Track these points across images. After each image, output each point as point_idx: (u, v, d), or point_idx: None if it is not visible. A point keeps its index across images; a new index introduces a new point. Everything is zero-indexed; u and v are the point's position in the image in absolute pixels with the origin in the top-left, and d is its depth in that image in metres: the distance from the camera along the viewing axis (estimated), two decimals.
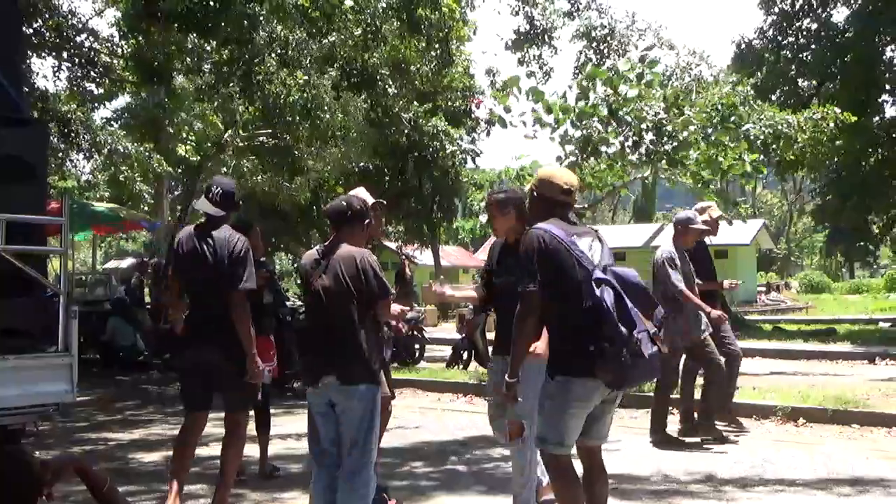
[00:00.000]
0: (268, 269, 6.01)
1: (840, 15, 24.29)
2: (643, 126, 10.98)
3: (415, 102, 21.55)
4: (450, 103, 24.99)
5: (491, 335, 5.34)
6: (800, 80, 24.25)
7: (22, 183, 4.51)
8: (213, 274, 4.99)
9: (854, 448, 7.37)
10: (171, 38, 13.04)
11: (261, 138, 16.39)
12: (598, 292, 3.81)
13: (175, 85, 14.16)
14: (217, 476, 5.31)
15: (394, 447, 7.21)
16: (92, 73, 15.27)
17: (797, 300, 39.88)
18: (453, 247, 50.58)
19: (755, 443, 7.64)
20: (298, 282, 5.53)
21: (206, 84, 14.42)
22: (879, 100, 23.29)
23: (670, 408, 7.88)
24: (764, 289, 42.93)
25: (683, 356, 7.75)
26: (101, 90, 16.89)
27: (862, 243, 26.68)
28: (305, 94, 14.08)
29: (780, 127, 12.99)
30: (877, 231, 25.71)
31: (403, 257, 11.39)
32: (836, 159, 21.36)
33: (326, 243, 4.61)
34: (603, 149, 11.26)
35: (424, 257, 35.18)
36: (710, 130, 11.24)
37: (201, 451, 7.30)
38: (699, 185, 11.30)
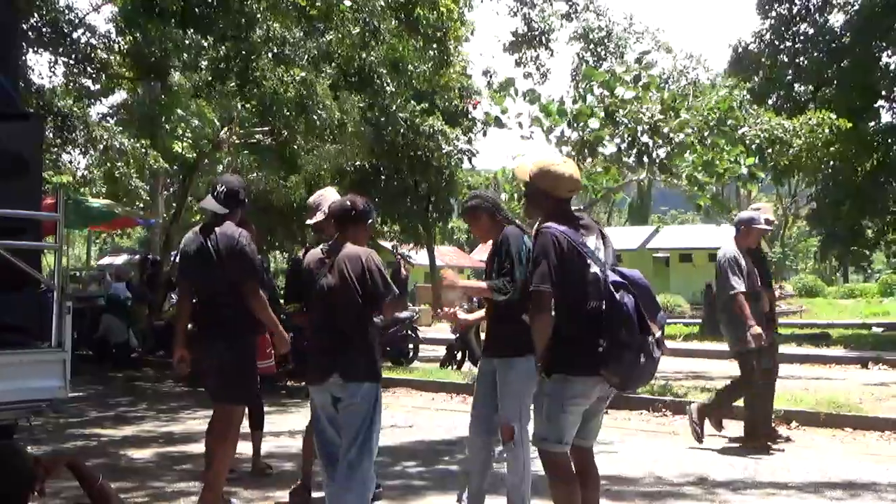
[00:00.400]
0: (262, 266, 6.01)
1: (837, 20, 24.34)
2: (639, 128, 10.97)
3: (412, 102, 21.54)
4: (447, 103, 24.99)
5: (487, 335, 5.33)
6: (796, 85, 24.29)
7: (16, 177, 4.49)
8: (219, 271, 5.10)
9: (846, 452, 7.40)
10: (169, 35, 13.01)
11: (257, 136, 16.37)
12: (618, 297, 3.84)
13: (171, 81, 14.12)
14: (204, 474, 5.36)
15: (387, 446, 7.19)
16: (88, 68, 15.22)
17: (791, 304, 39.92)
18: (449, 247, 50.61)
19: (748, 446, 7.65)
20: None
21: (203, 81, 14.40)
22: (875, 105, 23.34)
23: (722, 414, 7.81)
24: None
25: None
26: (98, 86, 16.86)
27: (856, 248, 26.70)
28: (302, 91, 14.06)
29: (775, 132, 13.00)
30: (871, 236, 25.74)
31: (399, 257, 11.39)
32: (831, 164, 21.39)
33: (331, 242, 4.65)
34: (598, 149, 11.26)
35: (419, 257, 35.18)
36: (706, 133, 11.24)
37: (192, 448, 7.31)
38: (695, 189, 11.30)
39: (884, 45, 22.38)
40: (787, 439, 7.71)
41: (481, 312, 5.28)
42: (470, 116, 26.88)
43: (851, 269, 50.62)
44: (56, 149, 14.29)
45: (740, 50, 25.08)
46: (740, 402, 7.71)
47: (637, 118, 10.89)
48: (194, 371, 5.35)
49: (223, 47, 13.97)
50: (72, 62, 14.98)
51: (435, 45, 18.87)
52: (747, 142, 12.05)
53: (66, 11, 14.43)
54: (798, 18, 24.51)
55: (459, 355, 13.21)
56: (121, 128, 14.72)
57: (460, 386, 11.19)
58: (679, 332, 19.07)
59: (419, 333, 14.79)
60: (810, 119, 15.55)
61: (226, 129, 15.69)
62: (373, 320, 4.61)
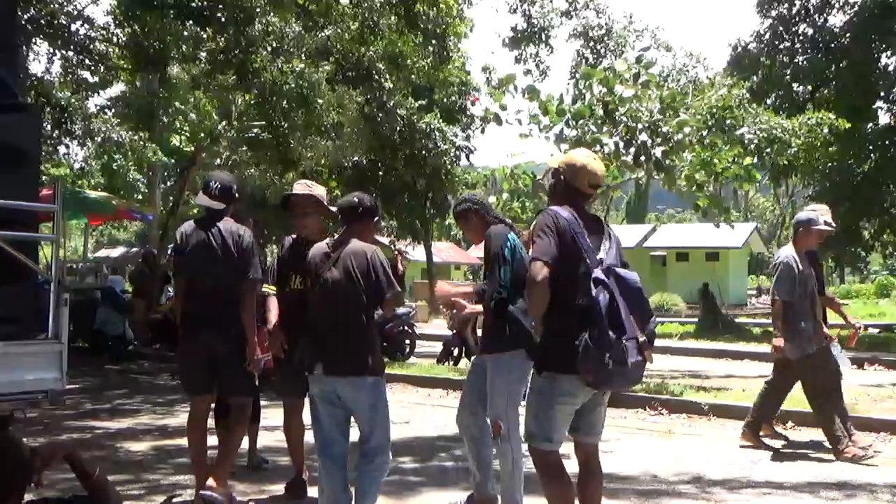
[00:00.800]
0: (259, 261, 6.02)
1: (836, 21, 24.35)
2: (638, 126, 10.97)
3: (410, 98, 21.53)
4: (445, 100, 24.98)
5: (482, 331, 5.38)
6: (795, 85, 24.29)
7: (14, 169, 4.47)
8: (222, 265, 5.23)
9: None
10: (168, 27, 12.98)
11: (254, 130, 16.35)
12: (594, 292, 3.78)
13: (170, 74, 14.11)
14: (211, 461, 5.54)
15: None
16: (87, 60, 15.20)
17: None
18: (446, 243, 50.63)
19: (743, 445, 7.66)
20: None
21: (202, 72, 14.38)
22: (874, 106, 23.35)
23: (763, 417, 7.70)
24: (755, 292, 43.09)
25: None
26: (96, 78, 16.83)
27: (853, 249, 26.75)
28: (301, 82, 14.04)
29: (774, 131, 13.00)
30: (868, 237, 25.78)
31: (396, 252, 11.35)
32: (829, 164, 21.42)
33: (336, 238, 4.71)
34: (596, 148, 11.25)
35: (417, 253, 35.19)
36: (704, 133, 11.24)
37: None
38: (693, 188, 11.30)
39: (883, 46, 22.39)
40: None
41: (479, 307, 5.30)
42: (468, 113, 26.87)
43: (848, 270, 50.65)
44: (54, 140, 14.27)
45: (739, 49, 25.08)
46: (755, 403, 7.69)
47: (636, 116, 10.88)
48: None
49: (222, 39, 13.94)
50: (70, 54, 14.96)
51: (434, 42, 18.86)
52: (746, 141, 12.05)
53: (65, 3, 14.43)
54: (797, 19, 24.50)
55: (456, 352, 13.21)
56: (119, 120, 14.70)
57: (457, 382, 11.17)
58: (675, 331, 19.08)
59: (416, 329, 14.80)
60: (809, 119, 15.56)
61: (224, 122, 15.68)
62: (374, 315, 4.64)
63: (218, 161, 18.58)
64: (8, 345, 4.12)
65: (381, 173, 25.38)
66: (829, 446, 7.08)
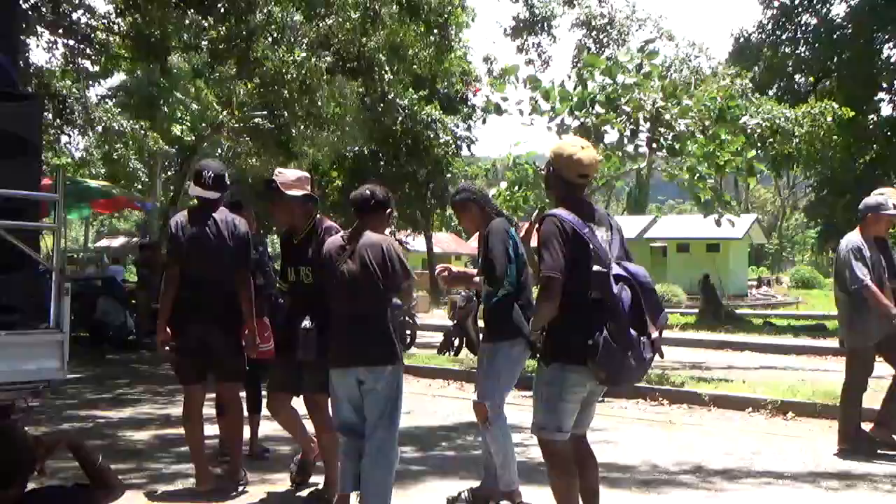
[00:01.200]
0: (258, 251, 6.04)
1: (839, 12, 24.29)
2: (641, 116, 10.93)
3: (410, 89, 21.49)
4: (446, 90, 24.94)
5: (483, 323, 5.42)
6: (797, 76, 24.26)
7: (15, 158, 4.47)
8: (219, 254, 5.31)
9: None
10: (169, 16, 12.96)
11: (255, 120, 16.32)
12: (615, 290, 3.78)
13: (171, 63, 14.08)
14: (217, 453, 5.80)
15: None
16: (88, 50, 15.16)
17: (788, 295, 40.02)
18: (446, 233, 50.62)
19: (744, 435, 7.67)
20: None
21: (203, 62, 14.35)
22: (876, 98, 23.32)
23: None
24: (755, 283, 43.09)
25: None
26: (97, 67, 16.80)
27: None
28: (303, 72, 14.01)
29: (777, 121, 12.97)
30: None
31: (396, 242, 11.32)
32: (830, 156, 21.40)
33: (350, 230, 4.76)
34: (598, 137, 11.22)
35: (417, 243, 35.20)
36: (707, 123, 11.21)
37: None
38: (695, 179, 11.27)
39: (885, 37, 22.34)
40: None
41: (472, 270, 5.40)
42: (469, 103, 26.83)
43: None
44: (55, 130, 14.25)
45: (742, 40, 25.03)
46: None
47: (638, 105, 10.84)
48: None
49: (223, 28, 13.91)
50: (71, 43, 14.92)
51: (436, 31, 18.81)
52: (749, 131, 12.02)
53: None
54: (800, 9, 24.45)
55: (457, 342, 13.19)
56: (120, 109, 14.68)
57: (457, 372, 11.21)
58: (676, 322, 19.08)
59: (417, 320, 14.80)
60: (812, 108, 15.53)
61: (225, 111, 15.66)
62: (392, 305, 4.76)
63: (219, 150, 18.57)
64: (9, 334, 4.13)
65: (381, 163, 25.39)
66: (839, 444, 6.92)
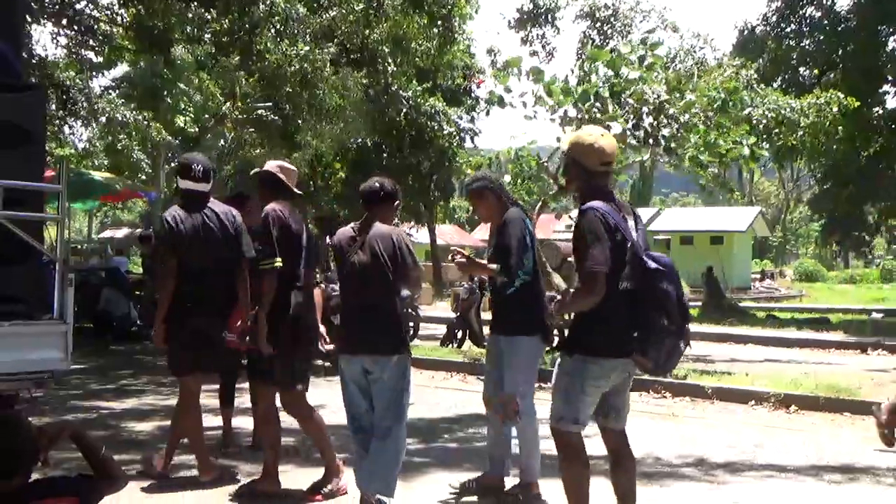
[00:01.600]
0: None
1: (843, 4, 24.20)
2: (644, 109, 10.92)
3: (414, 81, 21.44)
4: (449, 82, 24.89)
5: (486, 315, 5.45)
6: (801, 69, 24.18)
7: (19, 149, 4.46)
8: (222, 245, 5.34)
9: (845, 436, 7.42)
10: (172, 7, 12.94)
11: (259, 111, 16.31)
12: (663, 285, 3.76)
13: (174, 55, 14.06)
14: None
15: None
16: (91, 41, 15.14)
17: (791, 288, 39.98)
18: (449, 225, 50.58)
19: (747, 428, 7.68)
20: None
21: (206, 54, 14.34)
22: (881, 90, 23.25)
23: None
24: (759, 276, 43.03)
25: None
26: (100, 58, 16.78)
27: (857, 233, 26.72)
28: (305, 65, 14.00)
29: (783, 111, 12.93)
30: (872, 221, 25.73)
31: (405, 234, 11.33)
32: (834, 148, 21.36)
33: (360, 221, 4.85)
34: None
35: (420, 235, 35.19)
36: (710, 114, 11.18)
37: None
38: (698, 169, 11.26)
39: (890, 29, 22.26)
40: None
41: (485, 262, 5.41)
42: (473, 95, 26.78)
43: (852, 254, 50.67)
44: (58, 121, 14.24)
45: (746, 32, 24.96)
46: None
47: (642, 98, 10.82)
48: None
49: (226, 20, 13.89)
50: (74, 34, 14.90)
51: (439, 23, 18.76)
52: (754, 122, 11.99)
53: None
54: (804, 1, 24.36)
55: (460, 334, 13.22)
56: (123, 100, 14.68)
57: (460, 364, 11.22)
58: None
59: (420, 312, 14.80)
60: (818, 98, 15.48)
61: (228, 103, 15.66)
62: (401, 295, 4.85)
63: (222, 141, 18.57)
64: (13, 325, 4.14)
65: (385, 155, 25.36)
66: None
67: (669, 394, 9.17)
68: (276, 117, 15.93)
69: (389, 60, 18.01)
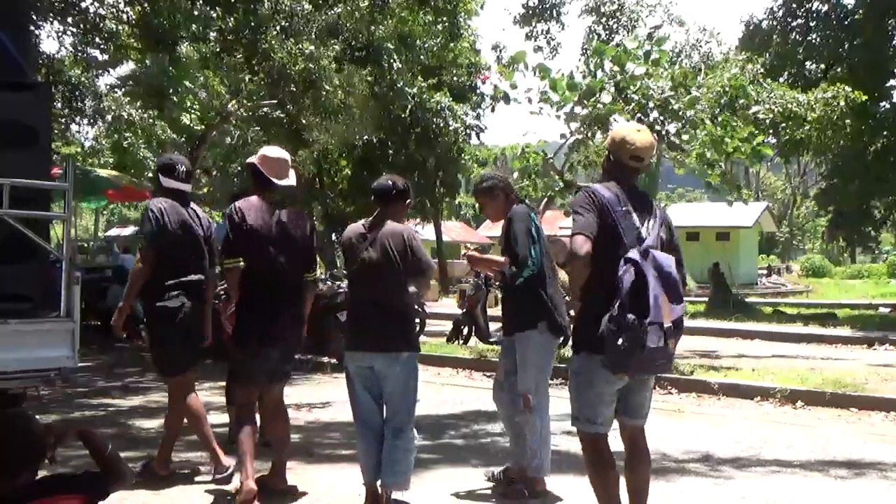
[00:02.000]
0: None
1: None
2: (649, 105, 10.89)
3: (419, 78, 21.43)
4: (455, 78, 24.86)
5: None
6: (807, 63, 24.09)
7: (25, 147, 4.48)
8: (202, 242, 5.49)
9: (851, 431, 7.41)
10: (178, 5, 12.95)
11: (264, 109, 16.32)
12: (620, 272, 3.63)
13: (180, 53, 14.07)
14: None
15: None
16: (97, 39, 15.16)
17: (798, 284, 39.90)
18: (455, 222, 50.58)
19: (753, 424, 7.67)
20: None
21: (211, 52, 14.35)
22: (887, 85, 23.14)
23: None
24: (765, 271, 42.96)
25: None
26: (106, 56, 16.80)
27: (864, 228, 26.62)
28: (311, 64, 14.00)
29: (789, 106, 12.88)
30: (879, 216, 25.64)
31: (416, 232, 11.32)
32: (840, 143, 21.28)
33: (371, 219, 4.86)
34: (608, 126, 11.18)
35: (426, 232, 35.19)
36: (716, 111, 11.16)
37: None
38: (703, 166, 11.23)
39: None
40: None
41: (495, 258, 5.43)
42: (478, 91, 26.74)
43: (859, 249, 50.49)
44: (64, 119, 14.27)
45: (752, 26, 24.88)
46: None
47: (647, 94, 10.80)
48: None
49: (231, 19, 13.90)
50: (80, 32, 14.91)
51: (444, 19, 18.75)
52: (760, 116, 11.95)
53: None
54: None
55: (466, 330, 13.23)
56: (129, 99, 14.69)
57: (466, 361, 11.23)
58: (685, 311, 19.05)
59: (425, 308, 14.80)
60: (825, 93, 15.43)
61: (233, 101, 15.66)
62: (410, 293, 4.87)
63: (228, 139, 18.58)
64: (20, 323, 4.15)
65: (391, 152, 25.35)
66: None
67: (675, 389, 9.16)
68: (282, 114, 15.93)
69: (395, 57, 18.00)
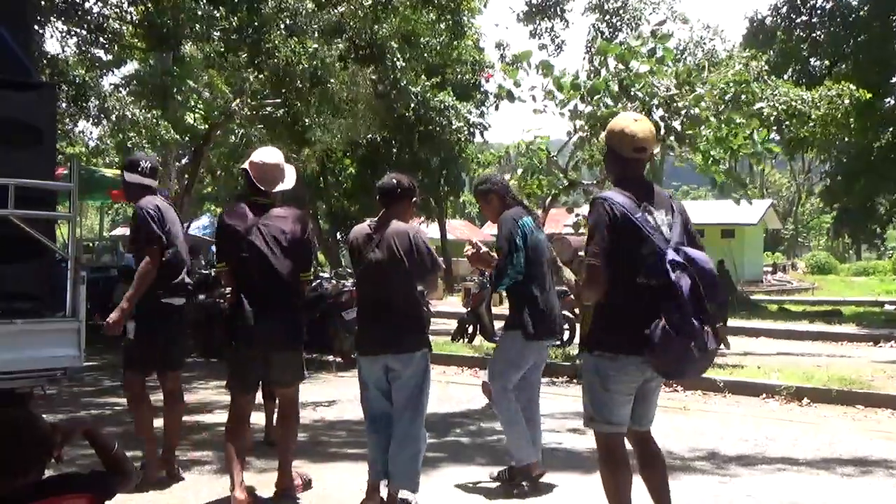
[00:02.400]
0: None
1: None
2: (654, 102, 10.87)
3: (423, 76, 21.42)
4: (459, 77, 24.84)
5: (496, 309, 5.53)
6: (812, 60, 24.06)
7: (31, 147, 4.48)
8: (176, 238, 5.58)
9: (857, 429, 7.39)
10: (181, 5, 12.95)
11: (268, 108, 16.32)
12: (674, 277, 3.51)
13: (183, 52, 14.08)
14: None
15: None
16: (101, 39, 15.17)
17: (803, 281, 39.83)
18: (460, 220, 50.59)
19: (759, 421, 7.66)
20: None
21: (215, 51, 14.35)
22: (892, 81, 23.10)
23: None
24: (770, 269, 42.87)
25: None
26: (110, 56, 16.82)
27: (869, 225, 26.59)
28: (315, 63, 14.00)
29: (794, 103, 12.86)
30: (884, 213, 25.59)
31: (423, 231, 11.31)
32: (845, 140, 21.25)
33: (377, 219, 4.84)
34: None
35: (431, 230, 35.19)
36: (721, 108, 11.13)
37: (206, 418, 7.38)
38: (708, 164, 11.21)
39: None
40: None
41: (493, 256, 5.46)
42: (482, 90, 26.73)
43: (864, 246, 50.38)
44: (69, 119, 14.29)
45: (756, 23, 24.84)
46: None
47: (651, 92, 10.78)
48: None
49: (235, 18, 13.90)
50: (84, 32, 14.92)
51: (448, 17, 18.73)
52: (765, 114, 11.92)
53: None
54: None
55: (471, 329, 13.22)
56: (133, 98, 14.71)
57: (471, 359, 11.23)
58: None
59: (430, 307, 14.80)
60: (829, 90, 15.40)
61: (237, 100, 15.66)
62: (418, 291, 4.88)
63: (232, 138, 18.59)
64: (26, 322, 4.16)
65: (395, 151, 25.35)
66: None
67: (681, 387, 9.15)
68: (286, 113, 15.93)
69: (398, 56, 17.98)
